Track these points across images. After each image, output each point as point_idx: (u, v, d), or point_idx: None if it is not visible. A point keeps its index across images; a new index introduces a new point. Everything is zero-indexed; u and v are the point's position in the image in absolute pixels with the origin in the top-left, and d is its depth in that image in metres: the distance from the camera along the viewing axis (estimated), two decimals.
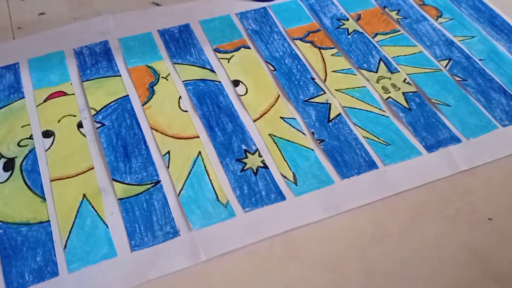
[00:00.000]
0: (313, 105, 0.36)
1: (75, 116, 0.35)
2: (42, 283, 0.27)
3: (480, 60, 0.40)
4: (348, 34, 0.42)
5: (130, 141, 0.34)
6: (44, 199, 0.31)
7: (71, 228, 0.29)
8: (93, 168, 0.32)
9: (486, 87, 0.38)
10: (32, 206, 0.30)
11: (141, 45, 0.41)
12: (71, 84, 0.38)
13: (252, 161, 0.33)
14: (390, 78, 0.39)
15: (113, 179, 0.32)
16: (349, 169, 0.33)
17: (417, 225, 0.30)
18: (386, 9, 0.45)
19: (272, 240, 0.29)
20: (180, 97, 0.37)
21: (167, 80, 0.38)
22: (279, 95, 0.37)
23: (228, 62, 0.40)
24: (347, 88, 0.38)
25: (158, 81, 0.38)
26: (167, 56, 0.40)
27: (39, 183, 0.31)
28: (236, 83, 0.38)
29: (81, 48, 0.40)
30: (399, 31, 0.43)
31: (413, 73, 0.39)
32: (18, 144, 0.33)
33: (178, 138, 0.34)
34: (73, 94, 0.37)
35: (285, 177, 0.32)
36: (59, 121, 0.35)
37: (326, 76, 0.39)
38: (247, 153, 0.33)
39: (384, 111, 0.36)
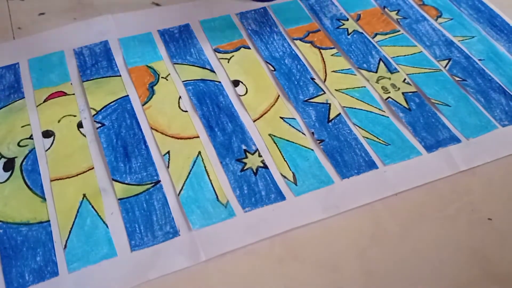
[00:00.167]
0: (313, 105, 0.36)
1: (75, 116, 0.35)
2: (42, 283, 0.27)
3: (479, 60, 0.40)
4: (348, 34, 0.42)
5: (130, 141, 0.34)
6: (44, 199, 0.31)
7: (71, 228, 0.29)
8: (93, 168, 0.32)
9: (485, 87, 0.38)
10: (32, 206, 0.30)
11: (141, 45, 0.41)
12: (71, 84, 0.38)
13: (252, 161, 0.33)
14: (389, 78, 0.39)
15: (113, 179, 0.32)
16: (349, 169, 0.33)
17: (417, 225, 0.30)
18: (386, 9, 0.45)
19: (272, 240, 0.29)
20: (180, 97, 0.37)
21: (167, 80, 0.38)
22: (279, 95, 0.37)
23: (228, 62, 0.40)
24: (347, 88, 0.38)
25: (158, 81, 0.38)
26: (167, 56, 0.40)
27: (39, 183, 0.31)
28: (236, 83, 0.38)
29: (81, 48, 0.40)
30: (399, 31, 0.43)
31: (412, 73, 0.39)
32: (18, 144, 0.34)
33: (178, 138, 0.34)
34: (73, 94, 0.37)
35: (285, 177, 0.32)
36: (59, 121, 0.35)
37: (326, 76, 0.39)
38: (247, 153, 0.33)
39: (384, 111, 0.36)
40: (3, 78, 0.38)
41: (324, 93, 0.37)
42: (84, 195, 0.31)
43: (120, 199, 0.31)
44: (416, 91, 0.38)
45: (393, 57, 0.40)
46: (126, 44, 0.41)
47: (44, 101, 0.36)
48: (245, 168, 0.33)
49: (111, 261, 0.28)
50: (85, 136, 0.34)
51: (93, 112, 0.36)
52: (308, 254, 0.29)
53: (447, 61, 0.40)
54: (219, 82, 0.38)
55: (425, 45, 0.42)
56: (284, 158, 0.33)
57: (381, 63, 0.40)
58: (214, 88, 0.38)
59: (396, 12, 0.45)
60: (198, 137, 0.34)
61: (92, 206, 0.30)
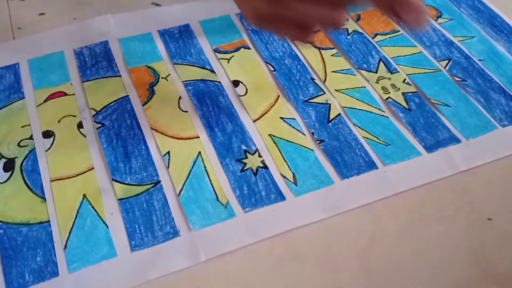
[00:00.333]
0: (313, 106, 0.36)
1: (75, 116, 0.35)
2: (42, 283, 0.27)
3: (479, 60, 0.40)
4: (348, 35, 0.42)
5: (130, 142, 0.34)
6: (44, 199, 0.31)
7: (71, 228, 0.29)
8: (93, 168, 0.32)
9: (485, 88, 0.38)
10: (32, 206, 0.30)
11: (141, 45, 0.41)
12: (71, 84, 0.38)
13: (252, 162, 0.33)
14: (389, 79, 0.39)
15: (113, 179, 0.32)
16: (349, 169, 0.33)
17: (417, 225, 0.30)
18: None
19: (272, 240, 0.29)
20: (180, 97, 0.37)
21: (167, 80, 0.38)
22: (279, 96, 0.37)
23: (228, 62, 0.40)
24: (346, 89, 0.38)
25: (158, 81, 0.38)
26: (167, 56, 0.40)
27: (39, 183, 0.31)
28: (236, 83, 0.38)
29: (81, 49, 0.40)
30: (399, 31, 0.43)
31: (412, 74, 0.39)
32: (18, 145, 0.34)
33: (178, 139, 0.34)
34: (73, 94, 0.37)
35: (285, 177, 0.32)
36: (59, 122, 0.35)
37: (325, 76, 0.39)
38: (247, 153, 0.33)
39: (384, 111, 0.36)
40: (3, 78, 0.38)
41: (324, 93, 0.37)
42: (84, 195, 0.31)
43: (120, 199, 0.31)
44: (416, 91, 0.38)
45: (393, 57, 0.40)
46: (126, 44, 0.41)
47: (44, 101, 0.36)
48: (245, 168, 0.33)
49: (111, 261, 0.28)
50: (85, 136, 0.34)
51: (93, 112, 0.36)
52: (308, 254, 0.29)
53: (447, 61, 0.40)
54: (219, 82, 0.38)
55: (425, 45, 0.42)
56: (284, 158, 0.33)
57: (381, 63, 0.40)
58: (214, 88, 0.38)
59: None
60: (198, 137, 0.34)
61: (92, 206, 0.30)
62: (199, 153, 0.33)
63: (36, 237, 0.29)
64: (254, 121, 0.35)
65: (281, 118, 0.36)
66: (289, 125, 0.35)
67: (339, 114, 0.36)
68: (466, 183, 0.32)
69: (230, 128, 0.35)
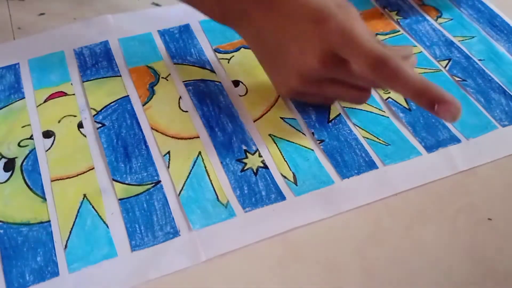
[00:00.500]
0: (313, 106, 0.36)
1: (75, 116, 0.35)
2: (42, 283, 0.27)
3: (479, 60, 0.40)
4: None
5: (130, 141, 0.34)
6: (44, 199, 0.31)
7: (72, 228, 0.29)
8: (93, 168, 0.32)
9: (485, 87, 0.38)
10: (33, 206, 0.30)
11: (141, 45, 0.41)
12: (72, 84, 0.38)
13: (252, 161, 0.33)
14: None
15: (113, 179, 0.32)
16: (349, 169, 0.33)
17: (417, 225, 0.30)
18: (385, 10, 0.45)
19: (272, 240, 0.29)
20: (180, 97, 0.37)
21: (167, 80, 0.38)
22: (279, 95, 0.37)
23: (228, 62, 0.40)
24: None
25: (158, 81, 0.38)
26: (167, 56, 0.40)
27: (39, 183, 0.31)
28: (236, 83, 0.38)
29: (81, 49, 0.40)
30: (399, 31, 0.43)
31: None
32: (19, 144, 0.34)
33: (178, 138, 0.34)
34: (74, 94, 0.37)
35: (285, 177, 0.32)
36: (59, 121, 0.35)
37: None
38: (247, 153, 0.33)
39: (384, 111, 0.36)
40: (3, 78, 0.38)
41: None
42: (85, 195, 0.31)
43: (120, 199, 0.31)
44: None
45: None
46: (126, 44, 0.41)
47: (45, 101, 0.36)
48: (245, 168, 0.33)
49: (112, 261, 0.28)
50: (85, 136, 0.34)
51: (94, 112, 0.36)
52: (308, 254, 0.29)
53: (447, 61, 0.40)
54: (219, 82, 0.38)
55: (425, 45, 0.42)
56: (284, 158, 0.33)
57: None
58: (214, 88, 0.38)
59: (396, 12, 0.45)
60: (198, 137, 0.34)
61: (93, 206, 0.30)
62: (199, 153, 0.33)
63: (36, 237, 0.29)
64: (254, 121, 0.36)
65: (281, 118, 0.36)
66: (289, 125, 0.35)
67: (339, 114, 0.36)
68: (466, 183, 0.33)
69: (230, 128, 0.35)
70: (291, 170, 0.33)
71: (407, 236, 0.30)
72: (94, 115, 0.35)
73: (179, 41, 0.41)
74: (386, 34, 0.43)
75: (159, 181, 0.32)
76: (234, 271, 0.28)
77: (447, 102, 0.27)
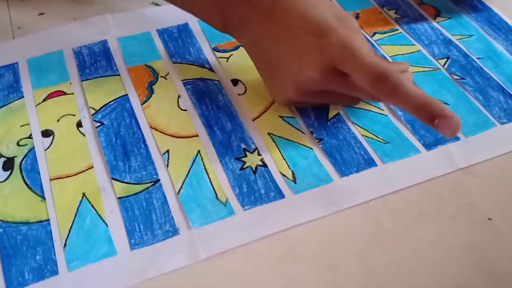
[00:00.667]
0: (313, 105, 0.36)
1: (74, 115, 0.35)
2: (42, 282, 0.27)
3: (478, 58, 0.40)
4: None
5: (129, 140, 0.34)
6: (43, 198, 0.31)
7: (71, 227, 0.29)
8: (92, 167, 0.32)
9: (484, 85, 0.38)
10: (32, 205, 0.30)
11: (140, 44, 0.41)
12: (70, 83, 0.38)
13: (251, 160, 0.33)
14: None
15: (112, 178, 0.32)
16: (348, 167, 0.33)
17: (416, 224, 0.30)
18: (384, 8, 0.45)
19: (271, 238, 0.29)
20: (179, 96, 0.37)
21: (166, 79, 0.38)
22: None
23: (227, 61, 0.40)
24: None
25: (157, 80, 0.38)
26: (166, 55, 0.40)
27: (38, 182, 0.32)
28: (235, 82, 0.38)
29: (80, 48, 0.40)
30: (398, 30, 0.43)
31: (411, 72, 0.39)
32: (18, 144, 0.34)
33: (177, 137, 0.34)
34: (72, 93, 0.37)
35: (284, 175, 0.32)
36: (58, 121, 0.35)
37: None
38: (246, 152, 0.33)
39: (383, 109, 0.36)
40: (2, 77, 0.38)
41: None
42: (84, 194, 0.31)
43: (119, 198, 0.31)
44: None
45: (392, 56, 0.41)
46: (125, 43, 0.41)
47: (43, 100, 0.36)
48: (244, 166, 0.33)
49: (111, 259, 0.28)
50: (84, 135, 0.34)
51: (93, 111, 0.36)
52: (308, 253, 0.29)
53: (445, 59, 0.40)
54: (218, 81, 0.38)
55: (423, 43, 0.42)
56: (283, 157, 0.33)
57: None
58: (213, 87, 0.38)
59: (394, 11, 0.45)
60: (197, 136, 0.34)
61: (92, 205, 0.30)
62: (199, 151, 0.33)
63: (35, 236, 0.29)
64: (253, 120, 0.36)
65: (280, 116, 0.36)
66: (288, 123, 0.35)
67: (338, 113, 0.36)
68: (466, 182, 0.33)
69: (229, 127, 0.35)
70: (290, 168, 0.33)
71: (407, 236, 0.30)
72: (93, 114, 0.35)
73: (178, 40, 0.41)
74: (385, 32, 0.43)
75: (158, 180, 0.32)
76: (233, 269, 0.28)
77: (447, 117, 0.27)
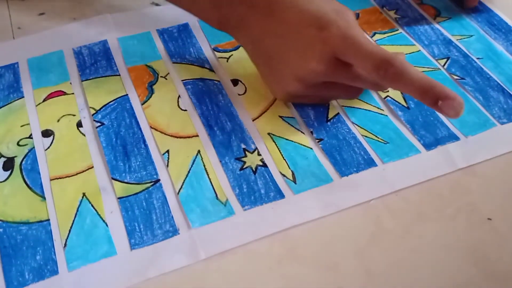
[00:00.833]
0: (312, 105, 0.36)
1: (74, 115, 0.35)
2: (42, 282, 0.27)
3: (478, 58, 0.40)
4: None
5: (129, 140, 0.34)
6: (43, 198, 0.31)
7: (71, 227, 0.29)
8: (92, 167, 0.32)
9: (484, 86, 0.38)
10: (32, 205, 0.30)
11: (140, 44, 0.41)
12: (70, 83, 0.38)
13: (251, 160, 0.33)
14: None
15: (112, 178, 0.32)
16: (348, 167, 0.33)
17: (417, 224, 0.30)
18: (384, 8, 0.45)
19: (271, 238, 0.29)
20: (179, 96, 0.37)
21: (166, 79, 0.38)
22: None
23: (227, 61, 0.40)
24: None
25: (157, 80, 0.38)
26: (166, 55, 0.40)
27: (38, 182, 0.32)
28: (235, 82, 0.38)
29: (80, 48, 0.40)
30: (397, 30, 0.43)
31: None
32: (18, 144, 0.34)
33: (177, 137, 0.34)
34: (73, 93, 0.37)
35: (284, 175, 0.32)
36: (58, 121, 0.35)
37: None
38: (246, 152, 0.33)
39: (383, 109, 0.37)
40: (2, 77, 0.38)
41: None
42: (84, 194, 0.31)
43: (119, 198, 0.31)
44: None
45: None
46: (125, 43, 0.41)
47: (44, 100, 0.36)
48: (244, 166, 0.33)
49: (111, 259, 0.28)
50: (84, 135, 0.34)
51: (93, 111, 0.36)
52: (307, 253, 0.29)
53: (445, 59, 0.40)
54: (218, 81, 0.38)
55: (423, 44, 0.42)
56: (283, 157, 0.33)
57: None
58: (213, 87, 0.38)
59: (394, 11, 0.45)
60: (198, 136, 0.34)
61: (92, 205, 0.31)
62: (199, 151, 0.33)
63: (35, 236, 0.29)
64: (253, 120, 0.36)
65: (280, 116, 0.36)
66: (288, 123, 0.35)
67: (338, 113, 0.36)
68: (466, 182, 0.33)
69: (229, 127, 0.35)
70: (290, 168, 0.33)
71: (407, 236, 0.30)
72: (93, 114, 0.35)
73: (178, 40, 0.41)
74: (385, 33, 0.43)
75: (158, 180, 0.32)
76: (233, 270, 0.28)
77: (450, 98, 0.28)
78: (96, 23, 0.42)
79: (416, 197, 0.32)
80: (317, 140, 0.34)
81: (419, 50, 0.41)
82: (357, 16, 0.44)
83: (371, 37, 0.42)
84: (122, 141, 0.34)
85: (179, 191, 0.31)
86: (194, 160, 0.33)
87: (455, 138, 0.35)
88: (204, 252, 0.29)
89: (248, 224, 0.30)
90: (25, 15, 0.44)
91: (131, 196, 0.31)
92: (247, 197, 0.31)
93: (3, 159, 0.33)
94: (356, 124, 0.35)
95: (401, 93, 0.38)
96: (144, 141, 0.34)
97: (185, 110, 0.36)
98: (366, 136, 0.35)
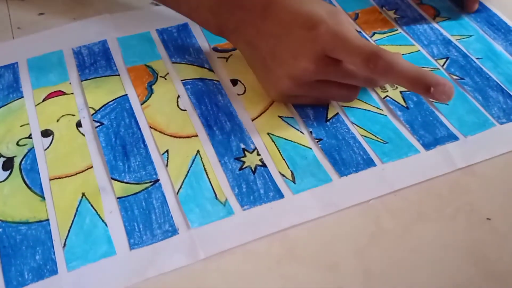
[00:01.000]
0: (311, 105, 0.37)
1: (74, 115, 0.36)
2: (41, 281, 0.27)
3: (477, 58, 0.40)
4: None
5: (129, 140, 0.34)
6: (43, 198, 0.31)
7: (70, 227, 0.29)
8: (92, 167, 0.32)
9: (483, 86, 0.38)
10: (31, 205, 0.30)
11: (140, 44, 0.41)
12: (70, 83, 0.38)
13: (251, 160, 0.33)
14: None
15: (112, 178, 0.32)
16: (347, 167, 0.33)
17: (416, 224, 0.30)
18: (383, 8, 0.45)
19: (270, 238, 0.29)
20: (178, 96, 0.37)
21: (165, 79, 0.38)
22: None
23: (227, 61, 0.40)
24: None
25: (156, 80, 0.38)
26: (165, 55, 0.40)
27: (38, 182, 0.32)
28: (234, 82, 0.38)
29: (80, 48, 0.40)
30: (397, 30, 0.43)
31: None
32: (17, 144, 0.34)
33: (176, 137, 0.34)
34: (72, 93, 0.37)
35: (283, 175, 0.32)
36: (58, 121, 0.35)
37: None
38: (246, 152, 0.34)
39: (382, 109, 0.37)
40: (2, 77, 0.38)
41: None
42: (83, 194, 0.31)
43: (119, 198, 0.31)
44: None
45: None
46: (125, 43, 0.41)
47: (43, 100, 0.36)
48: (243, 166, 0.33)
49: (110, 259, 0.28)
50: (84, 135, 0.34)
51: (92, 111, 0.36)
52: (307, 252, 0.29)
53: (445, 59, 0.40)
54: (218, 81, 0.38)
55: (423, 44, 0.42)
56: (282, 157, 0.33)
57: None
58: (212, 87, 0.38)
59: (394, 11, 0.45)
60: (197, 136, 0.34)
61: (91, 205, 0.31)
62: (198, 151, 0.33)
63: (35, 236, 0.29)
64: (252, 120, 0.36)
65: (279, 116, 0.36)
66: (288, 123, 0.35)
67: (337, 113, 0.36)
68: (465, 182, 0.33)
69: (228, 127, 0.35)
70: (289, 168, 0.33)
71: (406, 236, 0.30)
72: (92, 114, 0.35)
73: (177, 40, 0.41)
74: (384, 33, 0.43)
75: (158, 180, 0.32)
76: (232, 269, 0.28)
77: (441, 84, 0.29)
78: (96, 23, 0.42)
79: (416, 197, 0.32)
80: (316, 140, 0.34)
81: (419, 50, 0.41)
82: (357, 16, 0.44)
83: (371, 37, 0.42)
84: (122, 141, 0.34)
85: (178, 191, 0.31)
86: (193, 160, 0.33)
87: (454, 138, 0.35)
88: (203, 252, 0.29)
89: (247, 224, 0.30)
90: (25, 15, 0.44)
91: (130, 196, 0.31)
92: (247, 197, 0.31)
93: (2, 159, 0.33)
94: (355, 124, 0.35)
95: (401, 93, 0.38)
96: (144, 141, 0.34)
97: (185, 110, 0.36)
98: (365, 136, 0.35)
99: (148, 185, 0.32)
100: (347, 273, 0.28)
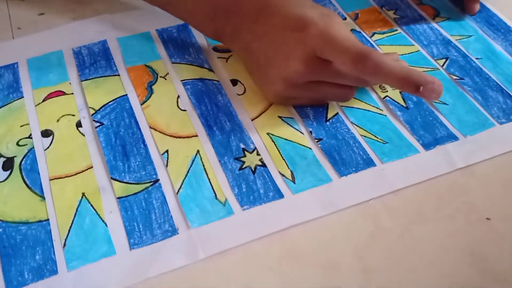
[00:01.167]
0: (311, 105, 0.37)
1: (74, 115, 0.36)
2: (41, 281, 0.27)
3: (477, 58, 0.40)
4: None
5: (128, 140, 0.34)
6: (43, 198, 0.31)
7: (70, 227, 0.30)
8: (92, 167, 0.33)
9: (483, 86, 0.38)
10: (31, 205, 0.30)
11: (140, 44, 0.41)
12: (70, 83, 0.38)
13: (251, 160, 0.33)
14: None
15: (112, 178, 0.32)
16: (347, 167, 0.33)
17: (416, 224, 0.30)
18: (383, 9, 0.45)
19: (270, 237, 0.29)
20: (178, 96, 0.37)
21: (165, 79, 0.38)
22: None
23: (227, 61, 0.40)
24: None
25: (156, 80, 0.38)
26: (165, 55, 0.40)
27: (38, 182, 0.32)
28: (234, 82, 0.38)
29: (80, 48, 0.40)
30: (397, 30, 0.43)
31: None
32: (17, 144, 0.34)
33: (176, 137, 0.34)
34: (72, 93, 0.37)
35: (283, 175, 0.32)
36: (58, 121, 0.35)
37: None
38: (245, 152, 0.34)
39: (382, 109, 0.37)
40: (2, 77, 0.38)
41: None
42: (83, 194, 0.31)
43: (119, 198, 0.31)
44: None
45: None
46: (125, 43, 0.41)
47: (43, 100, 0.36)
48: (243, 166, 0.33)
49: (110, 259, 0.28)
50: (84, 135, 0.34)
51: (92, 112, 0.36)
52: (306, 252, 0.29)
53: (444, 60, 0.40)
54: (218, 81, 0.38)
55: (422, 44, 0.42)
56: (282, 157, 0.33)
57: None
58: (212, 87, 0.38)
59: (393, 11, 0.45)
60: (197, 136, 0.34)
61: (91, 205, 0.31)
62: (198, 151, 0.33)
63: (35, 236, 0.29)
64: (252, 120, 0.36)
65: (279, 116, 0.36)
66: (287, 123, 0.35)
67: (337, 113, 0.36)
68: (465, 182, 0.33)
69: (228, 127, 0.35)
70: (289, 168, 0.33)
71: (406, 235, 0.30)
72: (92, 114, 0.35)
73: (177, 40, 0.41)
74: (384, 33, 0.43)
75: (158, 180, 0.32)
76: (232, 269, 0.28)
77: (430, 82, 0.29)
78: (96, 23, 0.42)
79: (415, 197, 0.32)
80: (316, 140, 0.34)
81: (418, 50, 0.41)
82: (356, 16, 0.45)
83: (370, 37, 0.42)
84: (122, 141, 0.34)
85: (178, 191, 0.31)
86: (193, 160, 0.33)
87: (454, 138, 0.35)
88: (203, 252, 0.29)
89: (247, 224, 0.30)
90: (25, 15, 0.44)
91: (130, 196, 0.31)
92: (246, 197, 0.31)
93: (2, 159, 0.33)
94: (355, 124, 0.35)
95: (400, 93, 0.38)
96: (144, 141, 0.34)
97: (185, 110, 0.36)
98: (365, 136, 0.35)
99: (148, 185, 0.32)
100: (347, 273, 0.28)
